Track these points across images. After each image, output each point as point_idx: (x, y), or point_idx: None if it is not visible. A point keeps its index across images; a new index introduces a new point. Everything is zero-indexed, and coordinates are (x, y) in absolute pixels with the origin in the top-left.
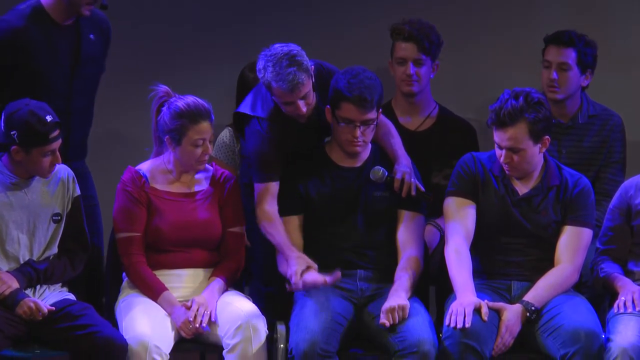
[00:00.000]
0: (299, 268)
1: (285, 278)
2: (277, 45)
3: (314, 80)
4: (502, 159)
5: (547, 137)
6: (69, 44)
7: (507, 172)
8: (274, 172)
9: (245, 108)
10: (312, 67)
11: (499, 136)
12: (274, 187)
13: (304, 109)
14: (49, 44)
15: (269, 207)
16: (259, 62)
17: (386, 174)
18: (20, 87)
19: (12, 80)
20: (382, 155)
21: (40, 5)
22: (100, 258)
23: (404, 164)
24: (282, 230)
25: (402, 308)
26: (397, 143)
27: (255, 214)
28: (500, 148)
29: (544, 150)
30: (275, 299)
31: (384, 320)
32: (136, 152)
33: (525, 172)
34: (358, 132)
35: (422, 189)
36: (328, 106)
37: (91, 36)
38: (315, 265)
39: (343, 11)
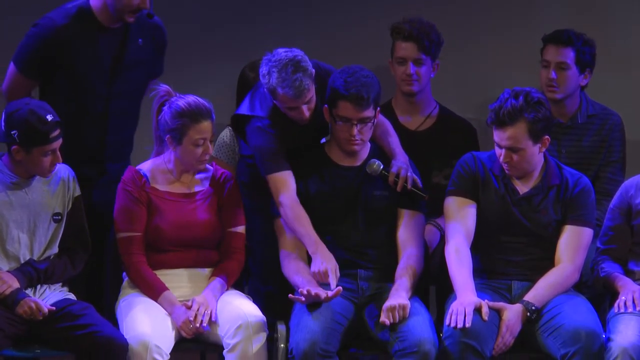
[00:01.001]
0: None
1: (289, 282)
2: (281, 51)
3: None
4: (501, 159)
5: (546, 136)
6: (113, 46)
7: (506, 171)
8: (283, 161)
9: (243, 110)
10: (314, 71)
11: (498, 135)
12: (289, 175)
13: (307, 114)
14: (91, 44)
15: (291, 194)
16: (262, 67)
17: (382, 166)
18: (61, 86)
19: (54, 78)
20: (381, 154)
21: (89, 6)
22: None
23: (401, 160)
24: (305, 221)
25: (403, 307)
26: (394, 141)
27: (278, 202)
28: (500, 147)
29: (543, 150)
30: (274, 298)
31: (384, 319)
32: (137, 152)
33: (524, 172)
34: (355, 130)
35: (420, 183)
36: (326, 105)
37: (139, 41)
38: (335, 269)
39: (343, 10)
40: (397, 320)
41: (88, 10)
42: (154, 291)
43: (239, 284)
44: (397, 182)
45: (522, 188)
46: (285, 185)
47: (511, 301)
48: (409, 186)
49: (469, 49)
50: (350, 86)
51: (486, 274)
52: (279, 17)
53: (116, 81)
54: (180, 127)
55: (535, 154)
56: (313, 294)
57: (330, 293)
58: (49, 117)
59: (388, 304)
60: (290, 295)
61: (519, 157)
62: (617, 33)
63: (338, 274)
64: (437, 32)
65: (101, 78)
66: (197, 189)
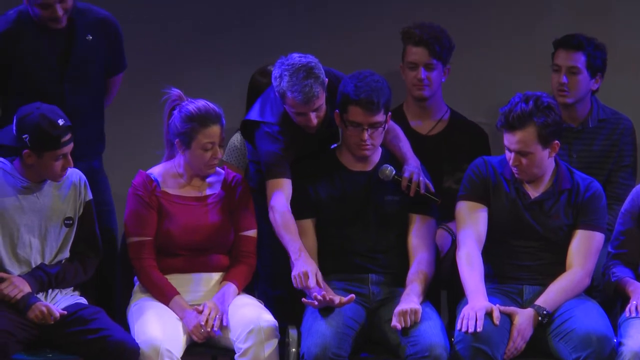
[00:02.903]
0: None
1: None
2: (295, 55)
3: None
4: (511, 162)
5: (556, 141)
6: (59, 46)
7: (516, 175)
8: (287, 170)
9: (253, 115)
10: (326, 80)
11: (508, 139)
12: (287, 183)
13: (315, 121)
14: (36, 47)
15: (284, 201)
16: (275, 69)
17: (394, 172)
18: (16, 91)
19: (7, 84)
20: (392, 159)
21: (27, 10)
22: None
23: (412, 165)
24: (292, 228)
25: (415, 312)
26: (405, 146)
27: (269, 207)
28: (510, 151)
29: (553, 154)
30: (283, 302)
31: (396, 323)
32: (148, 155)
33: (534, 176)
34: (366, 135)
35: (432, 188)
36: (337, 110)
37: (88, 37)
38: (315, 272)
39: (353, 15)
40: (408, 324)
41: (27, 14)
42: (165, 296)
43: (249, 289)
44: (410, 187)
45: (533, 192)
46: (280, 191)
47: (522, 306)
48: (421, 191)
49: (480, 53)
50: (360, 91)
51: (497, 278)
52: (289, 21)
53: (67, 79)
54: (189, 131)
55: (545, 159)
56: (328, 299)
57: (344, 299)
58: (61, 122)
59: (399, 308)
60: (303, 299)
61: (528, 161)
62: (628, 37)
63: (320, 277)
64: (448, 36)
65: (51, 78)
66: (208, 192)
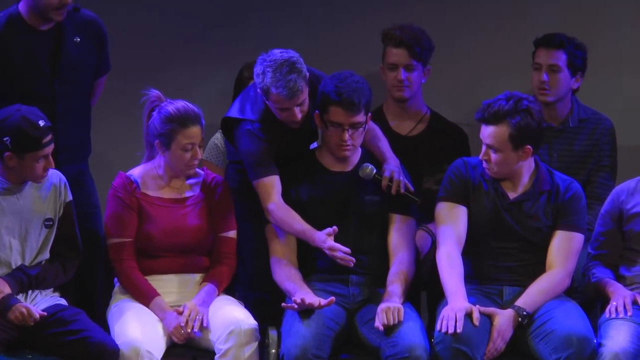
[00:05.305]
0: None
1: (279, 288)
2: (276, 51)
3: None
4: (481, 155)
5: (528, 147)
6: (48, 48)
7: (486, 170)
8: (272, 166)
9: (233, 112)
10: (308, 74)
11: (482, 131)
12: (276, 179)
13: (299, 116)
14: (26, 49)
15: (278, 198)
16: (257, 66)
17: (375, 170)
18: (6, 94)
19: None
20: (371, 159)
21: (18, 12)
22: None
23: (392, 164)
24: (299, 218)
25: (398, 309)
26: (384, 145)
27: (266, 210)
28: (483, 144)
29: (525, 159)
30: (262, 304)
31: (379, 324)
32: (128, 157)
33: (501, 174)
34: (347, 136)
35: (411, 187)
36: (317, 111)
37: (76, 39)
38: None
39: (334, 16)
40: (391, 321)
41: (17, 16)
42: (145, 297)
43: (230, 290)
44: (390, 186)
45: (513, 193)
46: (273, 190)
47: (502, 306)
48: (401, 190)
49: (460, 54)
50: (341, 91)
51: (477, 279)
52: (270, 21)
53: (58, 83)
54: (169, 132)
55: (513, 162)
56: (307, 303)
57: (323, 302)
58: (41, 123)
59: (383, 305)
60: (283, 304)
61: (496, 158)
62: (608, 37)
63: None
64: (428, 37)
65: (42, 81)
66: (187, 194)
